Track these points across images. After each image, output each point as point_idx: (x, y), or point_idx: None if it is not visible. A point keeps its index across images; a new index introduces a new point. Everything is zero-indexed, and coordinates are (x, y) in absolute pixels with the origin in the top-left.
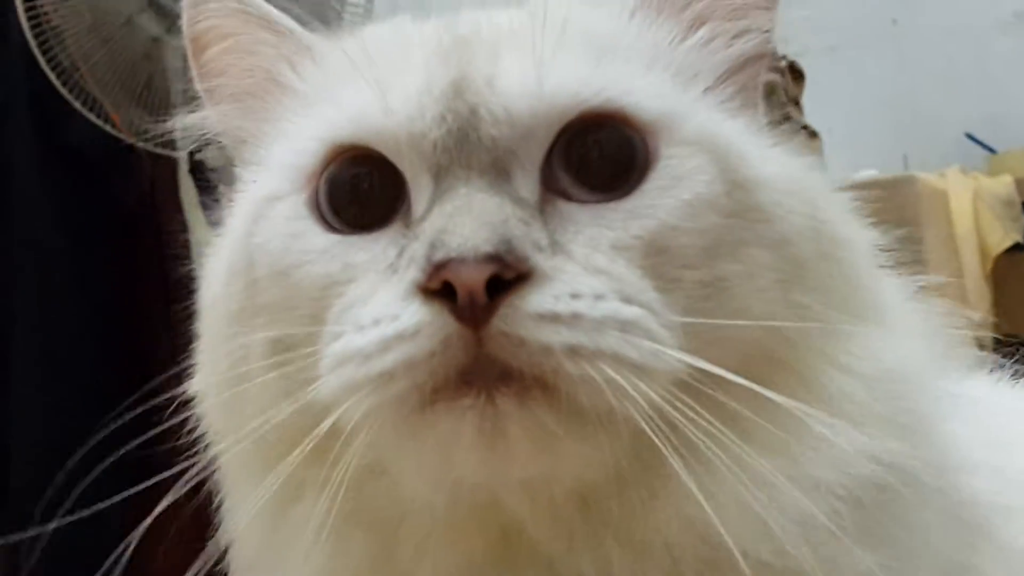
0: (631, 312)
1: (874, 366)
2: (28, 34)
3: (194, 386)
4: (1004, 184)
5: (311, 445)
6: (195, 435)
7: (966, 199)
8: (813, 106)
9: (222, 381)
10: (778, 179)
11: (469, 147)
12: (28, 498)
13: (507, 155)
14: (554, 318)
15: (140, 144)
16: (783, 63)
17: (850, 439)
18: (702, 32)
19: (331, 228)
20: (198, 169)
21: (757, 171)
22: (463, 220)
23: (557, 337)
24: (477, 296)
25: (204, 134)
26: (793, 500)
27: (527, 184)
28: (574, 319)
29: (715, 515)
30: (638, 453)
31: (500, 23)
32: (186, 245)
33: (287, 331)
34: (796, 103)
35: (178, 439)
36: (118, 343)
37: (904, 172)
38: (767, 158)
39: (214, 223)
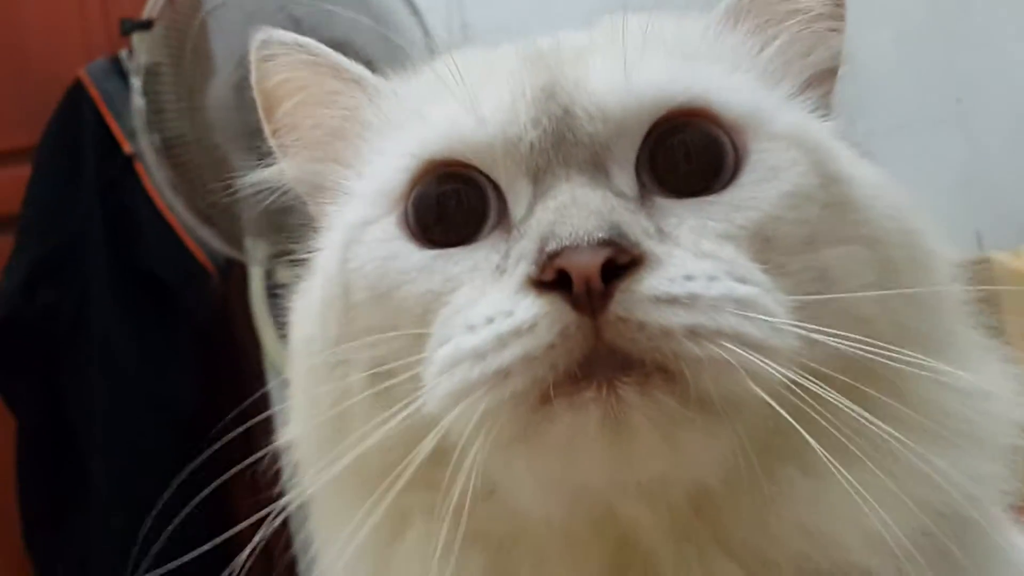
0: (746, 290)
1: (968, 382)
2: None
3: (289, 433)
4: None
5: (419, 461)
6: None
7: None
8: None
9: (322, 411)
10: (868, 180)
11: (566, 146)
12: None
13: (603, 151)
14: (671, 300)
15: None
16: None
17: (951, 459)
18: (778, 42)
19: (424, 245)
20: (270, 285)
21: (849, 169)
22: (572, 211)
23: (676, 319)
24: (593, 282)
25: (279, 186)
26: (910, 513)
27: (625, 179)
28: (691, 299)
29: (839, 521)
30: (760, 447)
31: (578, 37)
32: (260, 361)
33: (389, 353)
34: None
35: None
36: (196, 455)
37: (978, 249)
38: (855, 160)
39: (286, 337)
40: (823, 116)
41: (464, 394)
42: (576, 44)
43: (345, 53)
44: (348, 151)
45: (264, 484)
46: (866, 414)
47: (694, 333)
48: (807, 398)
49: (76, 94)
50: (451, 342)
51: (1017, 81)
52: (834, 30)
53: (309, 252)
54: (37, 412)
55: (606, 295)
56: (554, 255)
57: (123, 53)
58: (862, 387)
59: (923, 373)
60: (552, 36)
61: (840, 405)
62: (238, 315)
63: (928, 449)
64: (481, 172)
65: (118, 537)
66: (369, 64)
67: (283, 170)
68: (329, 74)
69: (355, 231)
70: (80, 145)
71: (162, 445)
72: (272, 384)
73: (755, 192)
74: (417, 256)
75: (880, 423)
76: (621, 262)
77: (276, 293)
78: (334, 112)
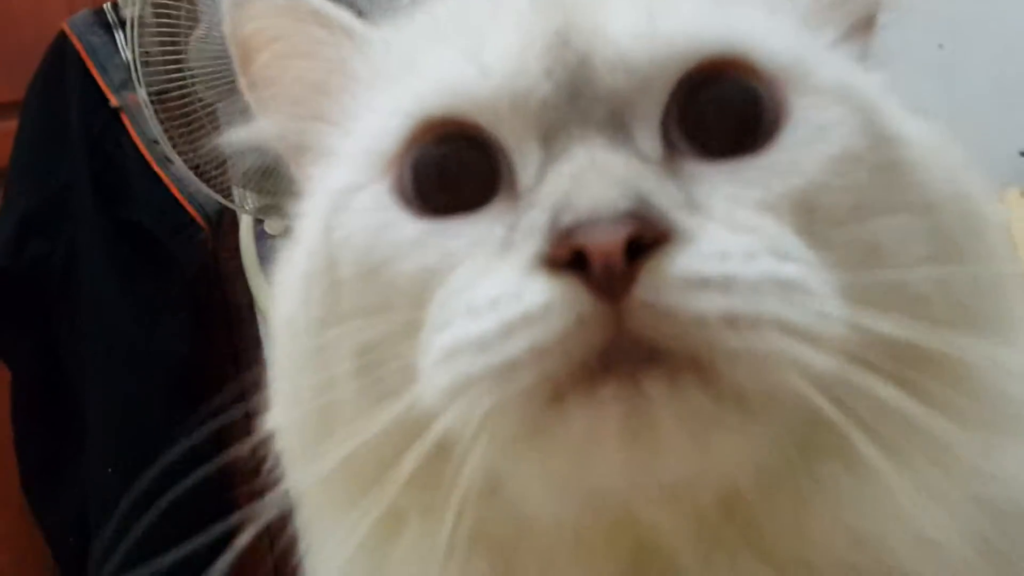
0: (790, 269)
1: None
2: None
3: (271, 420)
4: None
5: (415, 462)
6: (273, 475)
7: None
8: None
9: (304, 403)
10: (921, 139)
11: (582, 102)
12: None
13: (625, 108)
14: (704, 282)
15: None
16: None
17: (1015, 453)
18: None
19: (421, 214)
20: (260, 234)
21: (899, 127)
22: (590, 178)
23: (711, 304)
24: (615, 261)
25: (258, 145)
26: (968, 514)
27: (649, 140)
28: (727, 281)
29: (889, 524)
30: (800, 442)
31: None
32: (251, 310)
33: (379, 336)
34: None
35: (255, 482)
36: (188, 410)
37: None
38: (905, 116)
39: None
40: (866, 67)
41: (465, 388)
42: None
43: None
44: (333, 107)
45: (257, 429)
46: (920, 408)
47: (731, 321)
48: (854, 390)
49: (60, 47)
50: (450, 328)
51: (1000, 27)
52: None
53: (293, 217)
54: (30, 364)
55: (629, 276)
56: (569, 230)
57: (107, 5)
58: (915, 374)
59: (986, 360)
60: None
61: (891, 397)
62: (228, 265)
63: (989, 442)
64: (482, 134)
65: (114, 483)
66: (361, 15)
67: (262, 128)
68: (311, 21)
69: (341, 197)
70: (65, 99)
71: (154, 394)
72: (264, 332)
73: (798, 155)
74: (412, 227)
75: (936, 416)
76: (646, 239)
77: (266, 242)
78: (317, 64)
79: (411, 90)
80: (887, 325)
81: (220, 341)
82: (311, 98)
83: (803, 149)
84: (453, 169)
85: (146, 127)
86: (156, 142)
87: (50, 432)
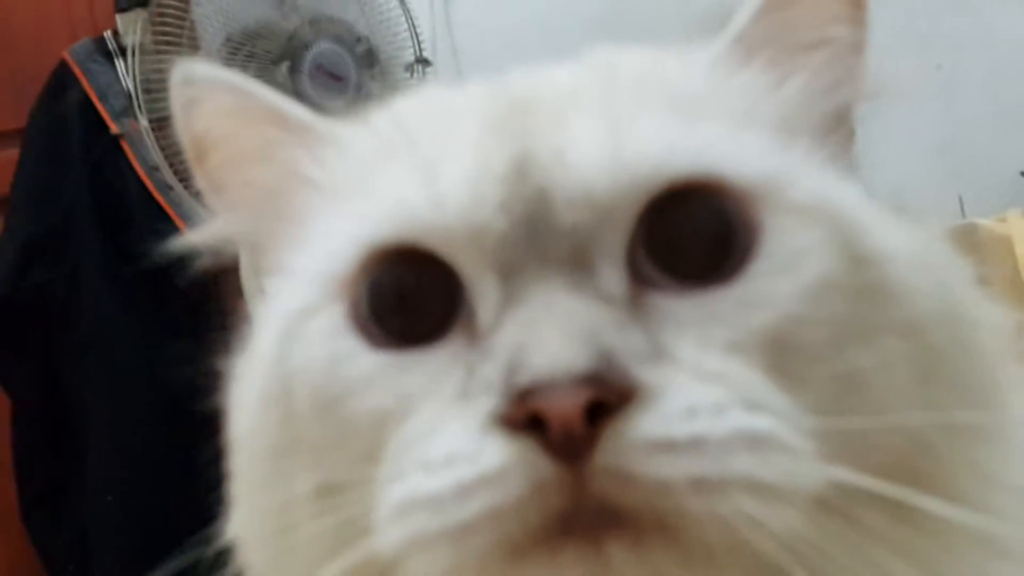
0: (760, 423)
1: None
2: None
3: (232, 528)
4: None
5: None
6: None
7: None
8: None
9: (265, 529)
10: (903, 253)
11: (541, 239)
12: None
13: (587, 242)
14: (670, 445)
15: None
16: None
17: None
18: (799, 79)
19: (377, 343)
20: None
21: (880, 243)
22: (546, 332)
23: (676, 469)
24: (574, 426)
25: (215, 246)
26: None
27: (613, 277)
28: (695, 443)
29: None
30: (777, 570)
31: (560, 81)
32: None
33: (335, 474)
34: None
35: None
36: (190, 432)
37: (960, 215)
38: (888, 228)
39: None
40: (845, 169)
41: (422, 546)
42: (556, 93)
43: (334, 28)
44: (286, 212)
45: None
46: (895, 562)
47: (699, 486)
48: (824, 540)
49: (61, 75)
50: (405, 481)
51: (998, 47)
52: (861, 63)
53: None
54: (32, 391)
55: (590, 440)
56: (526, 392)
57: (107, 34)
58: (892, 523)
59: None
60: (528, 75)
61: (861, 548)
62: (228, 291)
63: (982, 569)
64: (442, 258)
65: (115, 512)
66: (359, 41)
67: (219, 227)
68: (263, 121)
69: (296, 321)
70: (67, 126)
71: (156, 421)
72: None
73: (771, 285)
74: (368, 360)
75: (912, 567)
76: (609, 400)
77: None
78: (269, 167)
79: (365, 212)
80: (860, 479)
81: (220, 365)
82: (264, 202)
83: (776, 278)
84: (410, 292)
85: (147, 154)
86: (156, 169)
87: (51, 460)
